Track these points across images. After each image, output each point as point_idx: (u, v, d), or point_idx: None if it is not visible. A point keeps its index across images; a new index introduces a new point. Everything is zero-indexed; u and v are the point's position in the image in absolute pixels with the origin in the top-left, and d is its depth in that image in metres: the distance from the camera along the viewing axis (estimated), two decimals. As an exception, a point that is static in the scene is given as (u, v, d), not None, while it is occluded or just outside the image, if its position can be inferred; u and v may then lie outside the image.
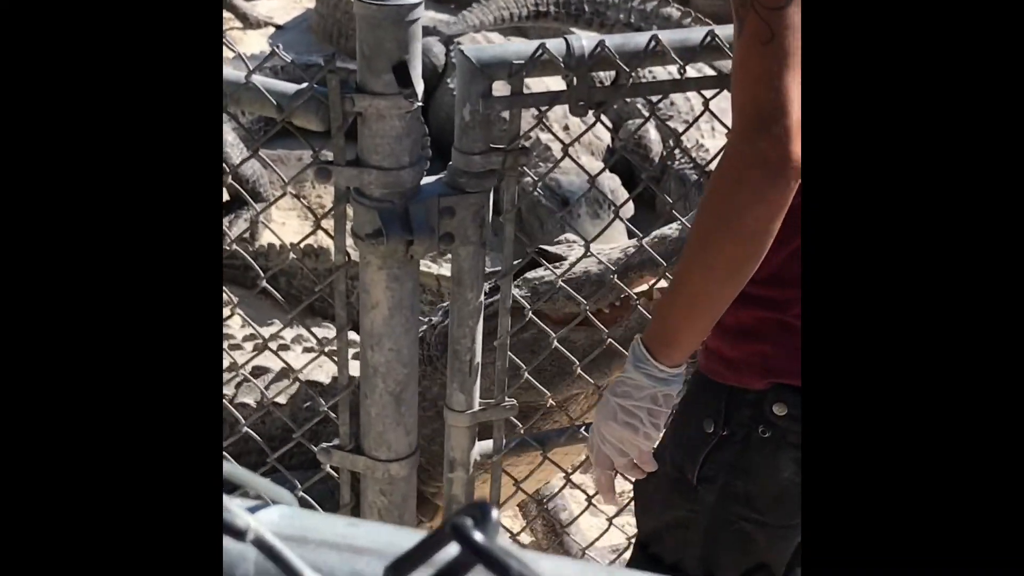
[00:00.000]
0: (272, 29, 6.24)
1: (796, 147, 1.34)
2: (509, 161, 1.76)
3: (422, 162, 1.72)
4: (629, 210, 3.55)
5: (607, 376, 2.14)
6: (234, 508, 0.48)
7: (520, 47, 1.74)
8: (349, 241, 1.79)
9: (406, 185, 1.70)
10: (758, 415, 1.57)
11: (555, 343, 2.02)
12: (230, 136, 3.93)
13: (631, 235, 2.19)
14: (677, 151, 3.72)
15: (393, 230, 1.69)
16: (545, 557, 0.55)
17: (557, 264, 2.22)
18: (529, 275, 2.23)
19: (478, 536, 0.44)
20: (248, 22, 6.18)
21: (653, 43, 1.75)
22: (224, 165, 3.56)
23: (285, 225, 3.77)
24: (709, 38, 1.78)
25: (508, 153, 1.75)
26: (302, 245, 3.20)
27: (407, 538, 0.51)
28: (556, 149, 3.92)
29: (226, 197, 3.91)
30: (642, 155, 4.41)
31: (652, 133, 4.55)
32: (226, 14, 5.81)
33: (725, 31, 1.74)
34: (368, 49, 1.63)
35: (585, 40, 1.76)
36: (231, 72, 1.73)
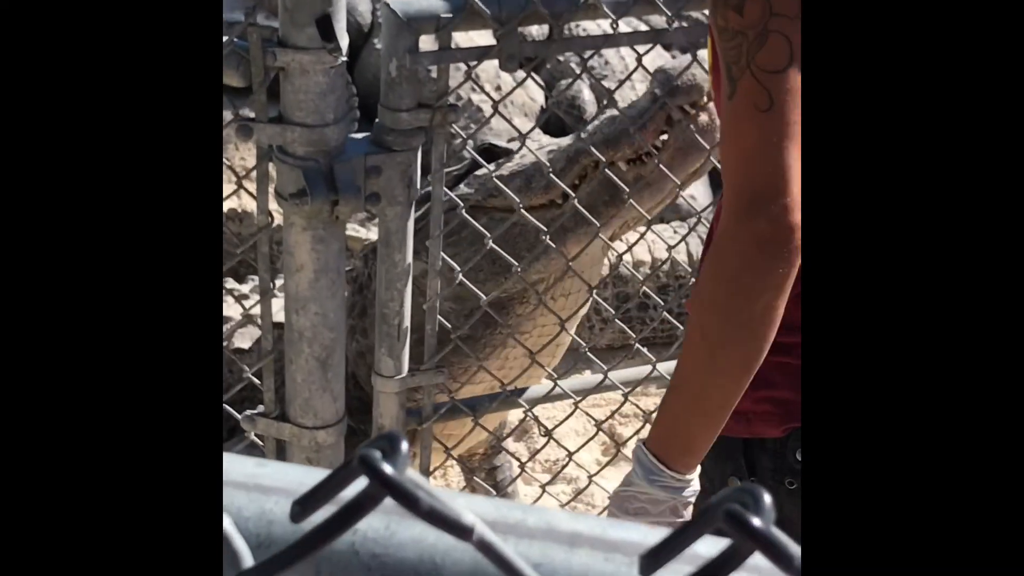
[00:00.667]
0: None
1: (797, 224, 1.20)
2: (437, 118, 1.68)
3: (347, 119, 1.64)
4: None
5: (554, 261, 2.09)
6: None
7: (448, 1, 1.67)
8: (272, 203, 1.71)
9: (331, 143, 1.62)
10: (781, 465, 1.46)
11: (490, 244, 1.93)
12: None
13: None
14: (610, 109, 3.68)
15: (318, 190, 1.62)
16: (459, 494, 0.53)
17: (504, 160, 2.17)
18: (478, 172, 2.16)
19: (387, 468, 0.42)
20: None
21: (582, -7, 1.68)
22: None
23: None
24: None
25: (436, 110, 1.68)
26: (224, 208, 3.11)
27: (317, 477, 0.48)
28: (487, 109, 3.85)
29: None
30: (575, 115, 4.35)
31: (586, 92, 4.50)
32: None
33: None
34: (290, 2, 1.55)
35: (517, -8, 1.69)
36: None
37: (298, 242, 1.68)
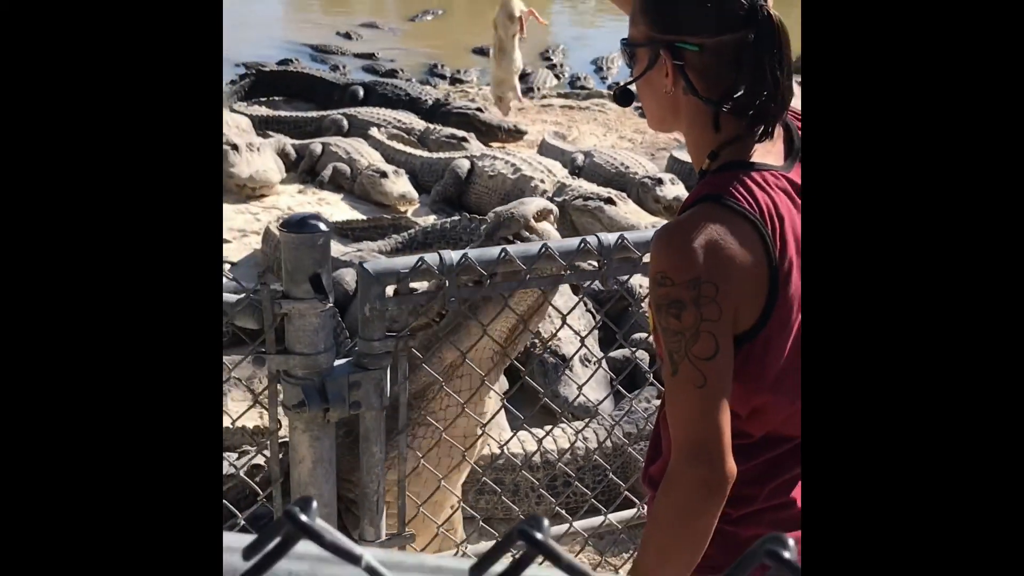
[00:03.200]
0: (228, 266, 6.72)
1: (730, 464, 1.47)
2: (400, 345, 2.18)
3: (334, 348, 2.13)
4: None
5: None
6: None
7: (406, 260, 2.19)
8: (280, 412, 2.18)
9: (322, 366, 2.10)
10: None
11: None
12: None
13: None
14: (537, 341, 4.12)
15: (313, 401, 2.09)
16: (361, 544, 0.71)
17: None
18: None
19: (302, 516, 0.56)
20: None
21: (503, 254, 2.21)
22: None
23: (233, 400, 4.13)
24: (544, 250, 2.23)
25: (399, 339, 2.17)
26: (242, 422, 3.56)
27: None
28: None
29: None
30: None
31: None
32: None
33: (562, 245, 2.23)
34: (290, 266, 2.06)
35: (455, 254, 2.21)
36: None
37: (300, 441, 2.14)
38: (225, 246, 6.16)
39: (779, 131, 1.58)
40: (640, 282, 4.61)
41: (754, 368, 1.53)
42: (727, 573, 0.57)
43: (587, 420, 3.45)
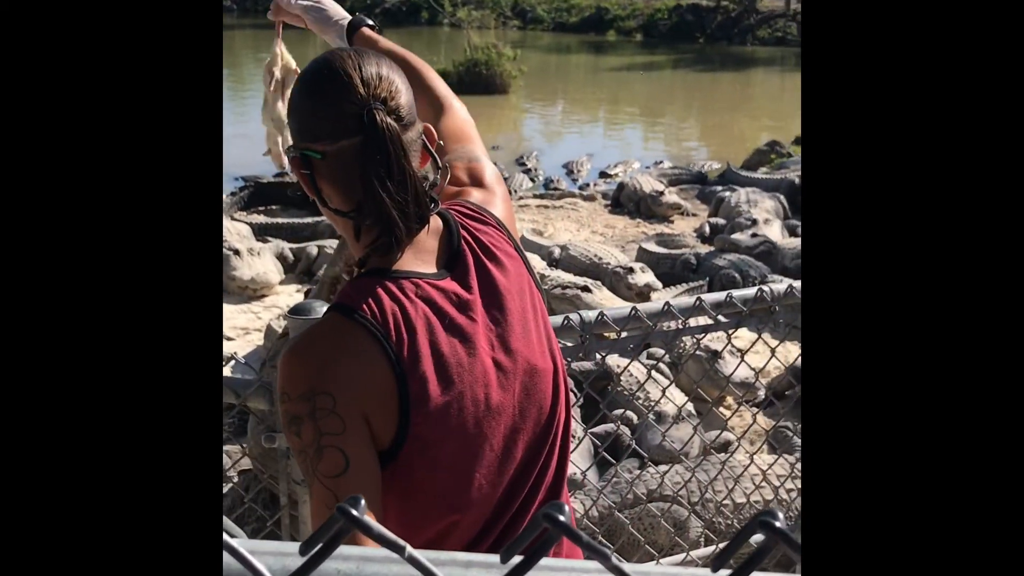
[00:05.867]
0: (234, 362, 6.75)
1: None
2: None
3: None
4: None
5: None
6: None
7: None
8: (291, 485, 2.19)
9: (328, 441, 2.12)
10: None
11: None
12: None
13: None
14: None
15: (321, 474, 2.10)
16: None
17: None
18: None
19: (353, 511, 0.60)
20: None
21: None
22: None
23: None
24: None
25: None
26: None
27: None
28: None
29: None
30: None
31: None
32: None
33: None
34: (297, 349, 2.10)
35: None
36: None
37: (308, 514, 2.15)
38: (230, 343, 6.17)
39: (437, 236, 1.40)
40: (617, 361, 4.66)
41: (416, 488, 1.32)
42: (723, 550, 0.58)
43: (574, 491, 3.46)
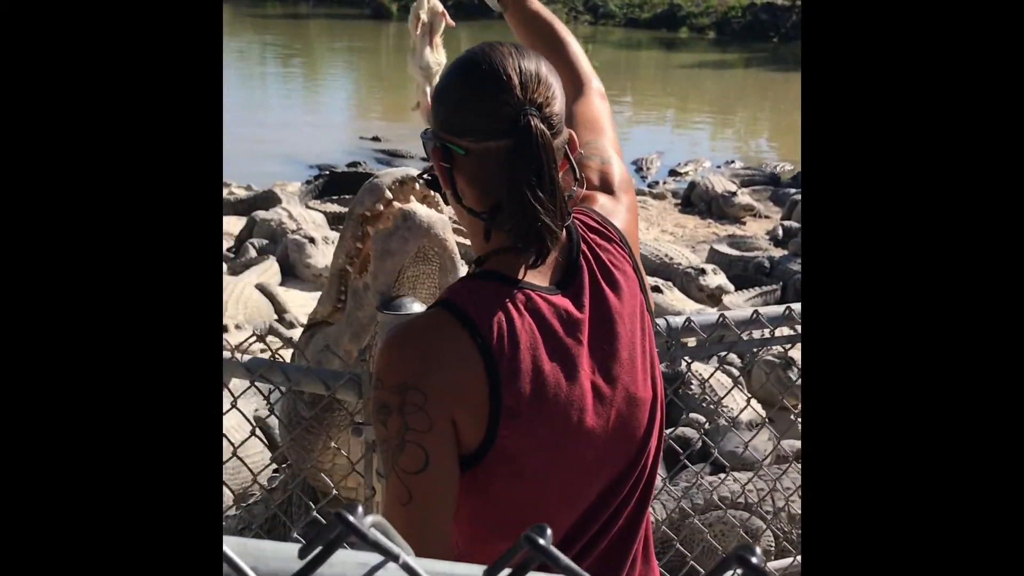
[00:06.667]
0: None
1: None
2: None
3: (425, 420, 2.16)
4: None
5: None
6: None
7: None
8: (374, 480, 2.20)
9: (415, 437, 2.13)
10: None
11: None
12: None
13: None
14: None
15: (406, 469, 2.11)
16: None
17: None
18: None
19: (350, 517, 0.60)
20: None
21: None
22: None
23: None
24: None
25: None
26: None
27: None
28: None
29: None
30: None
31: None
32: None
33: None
34: (388, 345, 2.11)
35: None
36: (297, 365, 2.21)
37: (382, 504, 2.16)
38: (302, 329, 6.26)
39: (558, 247, 1.34)
40: (698, 368, 4.62)
41: (493, 497, 1.29)
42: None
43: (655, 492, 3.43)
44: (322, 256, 7.19)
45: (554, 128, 1.30)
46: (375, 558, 0.64)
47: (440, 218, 2.21)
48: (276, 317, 6.40)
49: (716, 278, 6.83)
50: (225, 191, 10.39)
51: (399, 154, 13.45)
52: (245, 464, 2.25)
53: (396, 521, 1.25)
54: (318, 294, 7.03)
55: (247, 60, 24.56)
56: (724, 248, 8.09)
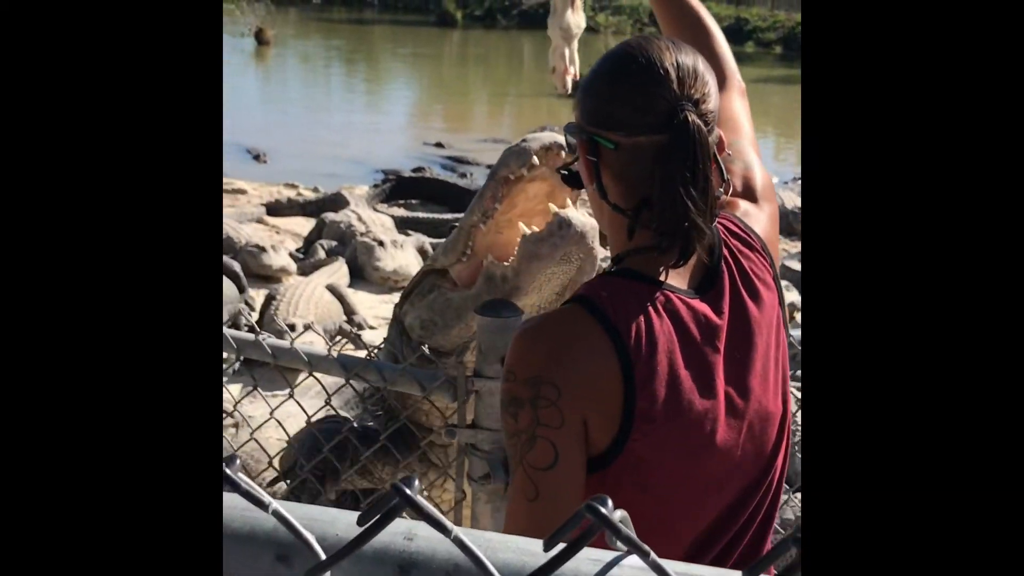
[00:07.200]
0: (376, 349, 6.87)
1: None
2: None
3: (520, 425, 2.13)
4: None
5: None
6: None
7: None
8: (465, 483, 2.17)
9: (508, 441, 2.10)
10: None
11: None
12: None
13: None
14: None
15: (498, 474, 2.08)
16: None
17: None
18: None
19: (406, 490, 0.61)
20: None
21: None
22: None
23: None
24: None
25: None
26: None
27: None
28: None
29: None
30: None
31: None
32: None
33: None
34: (484, 347, 2.07)
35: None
36: (393, 365, 2.19)
37: (482, 511, 2.12)
38: (372, 331, 6.27)
39: (699, 254, 1.28)
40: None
41: (618, 504, 1.24)
42: (761, 559, 0.59)
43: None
44: (391, 260, 7.22)
45: (709, 125, 1.26)
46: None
47: (593, 225, 2.15)
48: (345, 318, 6.42)
49: (789, 295, 6.72)
50: (293, 192, 10.48)
51: (465, 160, 13.47)
52: (260, 445, 2.23)
53: (520, 517, 1.22)
54: (387, 297, 7.09)
55: (312, 63, 24.83)
56: (795, 265, 7.95)
